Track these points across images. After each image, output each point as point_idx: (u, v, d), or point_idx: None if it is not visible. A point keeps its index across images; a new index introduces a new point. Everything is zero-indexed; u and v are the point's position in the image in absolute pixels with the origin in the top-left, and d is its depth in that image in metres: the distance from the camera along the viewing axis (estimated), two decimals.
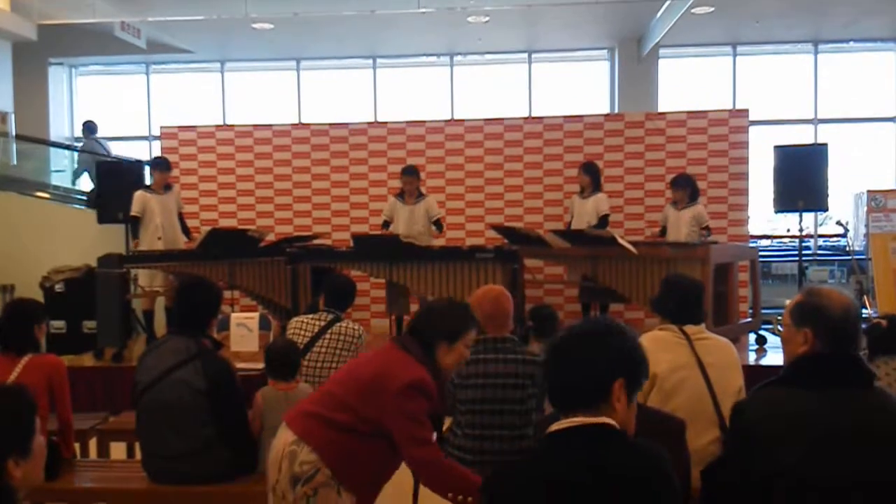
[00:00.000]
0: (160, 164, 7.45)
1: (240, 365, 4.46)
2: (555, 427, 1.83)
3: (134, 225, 7.42)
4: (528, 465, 1.87)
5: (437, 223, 7.27)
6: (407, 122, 8.78)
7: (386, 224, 7.30)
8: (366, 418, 2.70)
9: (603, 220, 7.31)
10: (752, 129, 8.50)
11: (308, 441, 2.72)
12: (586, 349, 1.87)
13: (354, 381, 2.78)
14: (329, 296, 4.55)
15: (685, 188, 7.18)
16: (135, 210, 7.32)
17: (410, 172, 7.25)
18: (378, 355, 2.88)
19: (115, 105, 13.11)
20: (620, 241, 6.37)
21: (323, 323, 4.45)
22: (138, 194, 7.36)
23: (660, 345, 3.19)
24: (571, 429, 1.81)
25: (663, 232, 7.35)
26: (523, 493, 1.79)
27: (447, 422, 3.63)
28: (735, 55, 11.94)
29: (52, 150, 11.96)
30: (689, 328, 3.24)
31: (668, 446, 1.82)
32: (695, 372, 3.14)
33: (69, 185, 11.60)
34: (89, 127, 11.01)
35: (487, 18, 10.30)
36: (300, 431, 2.75)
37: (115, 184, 7.87)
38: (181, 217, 7.54)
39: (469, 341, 2.90)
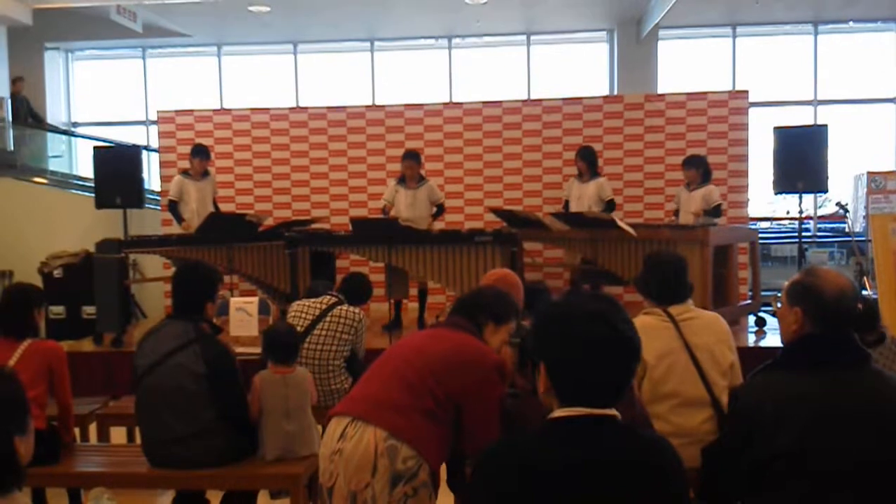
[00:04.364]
0: (201, 152, 7.52)
1: (239, 349, 4.46)
2: (562, 414, 1.73)
3: (173, 208, 7.49)
4: (534, 450, 1.74)
5: (440, 207, 7.23)
6: (405, 105, 8.73)
7: (385, 209, 7.27)
8: (443, 401, 2.52)
9: (609, 205, 7.27)
10: (751, 110, 8.46)
11: (403, 434, 2.46)
12: (625, 350, 1.75)
13: (426, 360, 2.58)
14: (347, 294, 4.63)
15: (697, 168, 7.05)
16: (172, 194, 7.49)
17: (411, 157, 7.21)
18: (443, 334, 2.73)
19: (111, 90, 13.07)
20: (620, 223, 6.36)
21: (323, 306, 4.48)
22: (176, 179, 7.55)
23: (646, 332, 3.14)
24: (580, 417, 1.72)
25: (677, 213, 7.29)
26: (532, 478, 1.69)
27: None
28: (735, 36, 11.88)
29: (50, 135, 11.93)
30: (674, 309, 3.20)
31: (620, 408, 1.78)
32: (683, 356, 3.11)
33: (67, 171, 11.58)
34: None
35: (486, 0, 10.24)
36: (390, 425, 2.47)
37: (112, 169, 7.85)
38: (215, 203, 7.63)
39: (511, 329, 2.81)
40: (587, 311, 1.76)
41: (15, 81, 11.34)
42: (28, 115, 11.43)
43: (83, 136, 11.89)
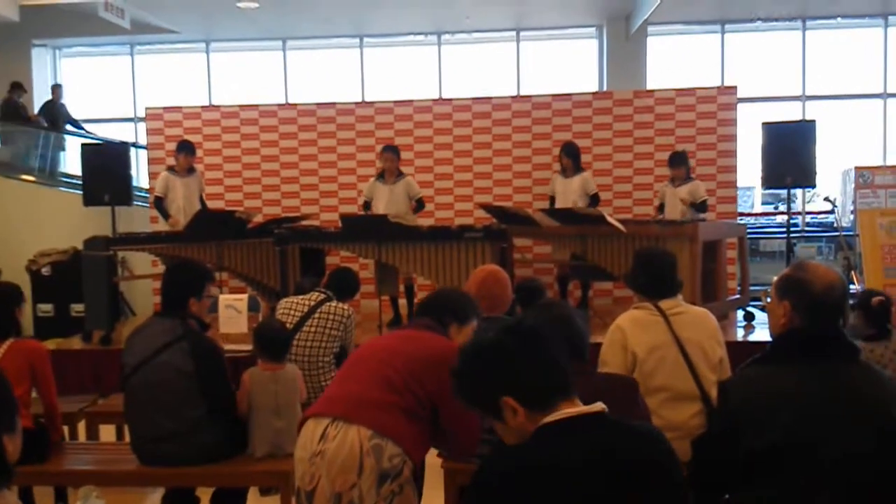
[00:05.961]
0: (186, 148, 7.51)
1: (228, 346, 4.46)
2: (554, 418, 1.75)
3: (158, 204, 7.46)
4: (534, 453, 1.74)
5: (420, 202, 7.23)
6: (395, 101, 8.71)
7: (367, 205, 7.27)
8: (424, 399, 2.53)
9: (594, 199, 7.33)
10: (740, 106, 8.49)
11: (388, 432, 2.45)
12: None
13: (403, 361, 2.57)
14: (334, 289, 4.62)
15: (683, 165, 7.15)
16: (158, 190, 7.47)
17: (391, 150, 7.23)
18: (414, 335, 2.73)
19: (99, 86, 13.00)
20: (609, 219, 6.37)
21: (312, 303, 4.47)
22: (162, 175, 7.52)
23: (637, 326, 3.19)
24: (575, 418, 1.75)
25: (661, 209, 7.34)
26: (534, 481, 1.69)
27: None
28: (723, 32, 11.90)
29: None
30: (665, 303, 3.23)
31: (623, 405, 1.81)
32: (672, 350, 3.14)
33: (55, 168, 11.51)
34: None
35: None
36: (375, 423, 2.45)
37: (101, 166, 7.82)
38: (203, 200, 7.59)
39: (474, 327, 2.83)
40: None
41: (54, 89, 11.58)
42: (66, 121, 11.44)
43: (71, 133, 11.81)
